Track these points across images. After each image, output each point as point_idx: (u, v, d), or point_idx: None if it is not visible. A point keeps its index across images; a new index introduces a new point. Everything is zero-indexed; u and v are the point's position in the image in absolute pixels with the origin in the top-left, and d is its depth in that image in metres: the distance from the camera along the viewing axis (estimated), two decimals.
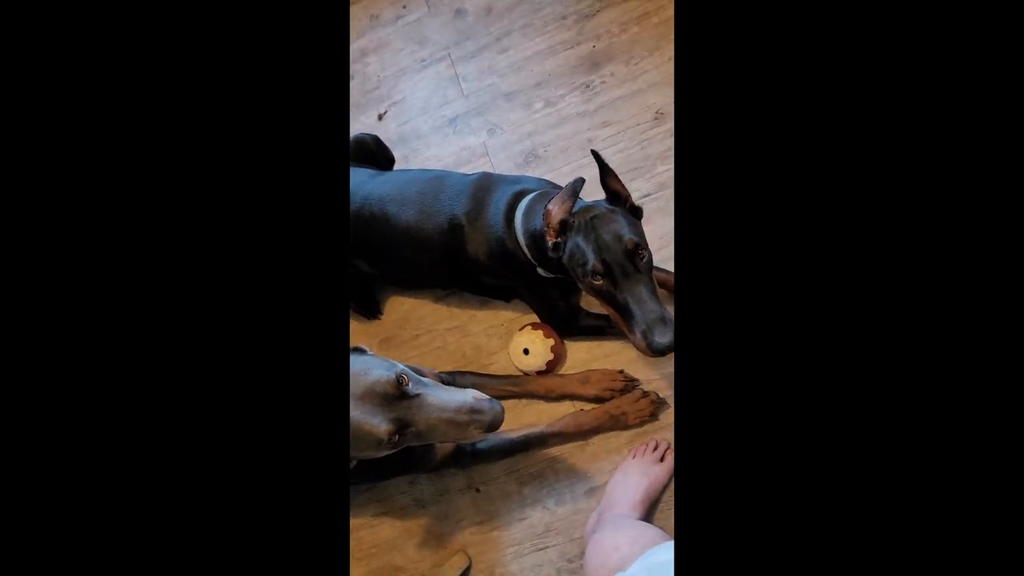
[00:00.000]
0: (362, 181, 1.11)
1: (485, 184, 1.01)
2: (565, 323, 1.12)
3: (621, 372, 1.11)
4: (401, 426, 0.76)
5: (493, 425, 0.77)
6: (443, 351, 1.25)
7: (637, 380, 1.11)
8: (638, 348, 0.80)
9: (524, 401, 1.16)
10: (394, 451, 0.79)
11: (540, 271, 0.97)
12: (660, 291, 0.85)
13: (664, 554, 0.64)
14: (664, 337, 0.76)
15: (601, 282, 0.81)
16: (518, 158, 1.31)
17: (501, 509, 1.14)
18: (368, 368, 0.77)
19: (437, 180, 1.06)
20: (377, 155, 1.23)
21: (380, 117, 1.44)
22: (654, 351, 0.77)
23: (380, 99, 1.45)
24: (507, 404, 1.07)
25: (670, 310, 0.81)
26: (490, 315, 1.24)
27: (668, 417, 1.09)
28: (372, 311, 1.29)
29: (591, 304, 1.16)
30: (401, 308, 1.30)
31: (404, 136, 1.40)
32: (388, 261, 1.12)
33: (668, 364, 1.11)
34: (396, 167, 1.30)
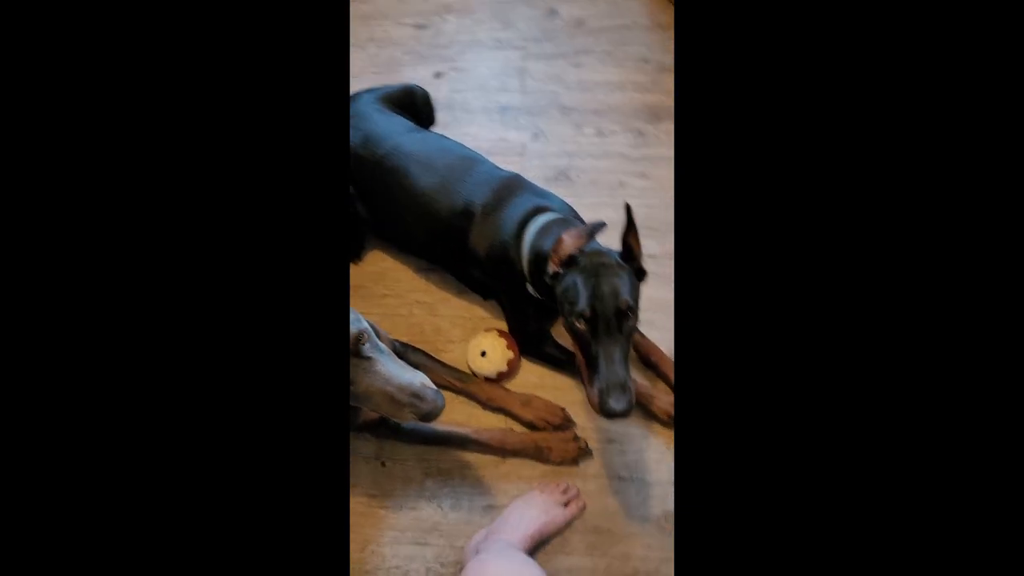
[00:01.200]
0: (397, 131, 1.09)
1: (513, 185, 1.01)
2: (530, 342, 1.12)
3: (563, 410, 1.12)
4: None
5: (429, 416, 0.76)
6: (405, 321, 1.23)
7: (574, 423, 1.12)
8: (591, 403, 0.80)
9: (460, 398, 1.15)
10: None
11: (528, 288, 0.97)
12: (633, 355, 0.85)
13: None
14: (619, 404, 0.76)
15: (583, 327, 0.81)
16: (549, 171, 1.31)
17: (397, 491, 1.13)
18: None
19: (469, 161, 1.05)
20: (420, 110, 1.21)
21: (437, 75, 1.41)
22: (605, 413, 0.77)
23: (444, 59, 1.43)
24: (445, 396, 1.06)
25: (634, 378, 0.81)
26: (462, 305, 1.23)
27: (589, 467, 1.10)
28: (352, 254, 1.27)
29: (560, 334, 1.16)
30: (381, 264, 1.28)
31: (452, 103, 1.38)
32: (388, 216, 1.10)
33: (606, 420, 1.12)
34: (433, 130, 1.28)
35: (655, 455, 1.09)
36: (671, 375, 1.08)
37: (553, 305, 0.97)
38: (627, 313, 0.80)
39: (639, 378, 1.09)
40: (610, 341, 0.79)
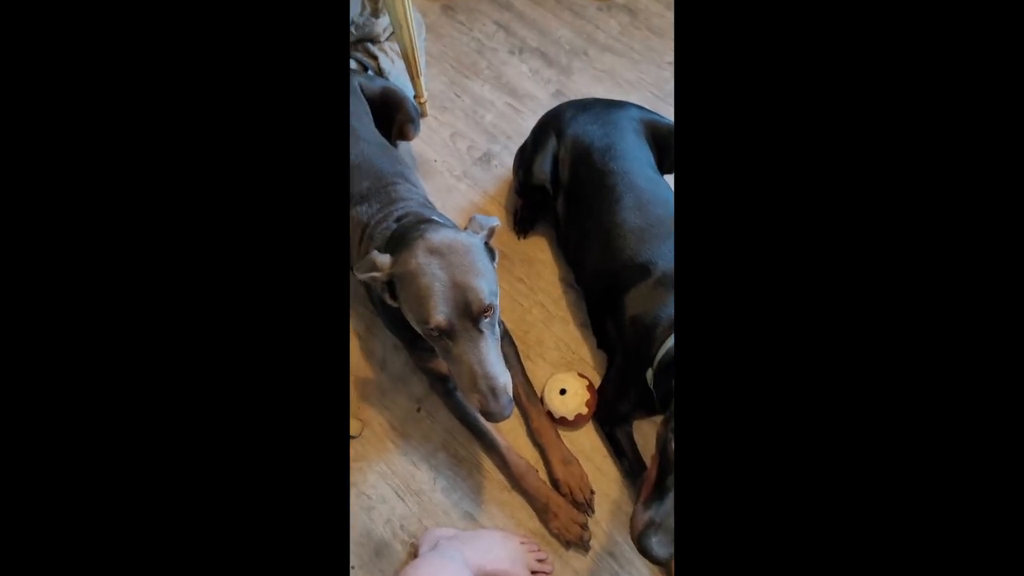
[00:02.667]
0: (638, 160, 1.07)
1: None
2: (609, 416, 1.06)
3: (593, 493, 1.05)
4: (443, 332, 0.75)
5: (489, 415, 0.75)
6: (520, 312, 1.23)
7: (592, 513, 1.05)
8: (632, 522, 0.73)
9: (515, 411, 1.13)
10: (395, 308, 0.80)
11: (648, 374, 0.91)
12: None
13: None
14: (661, 549, 0.69)
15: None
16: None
17: (410, 440, 1.15)
18: (471, 243, 0.77)
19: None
20: (666, 155, 1.18)
21: None
22: (642, 549, 0.70)
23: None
24: None
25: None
26: (575, 336, 1.20)
27: (575, 560, 1.03)
28: (523, 228, 1.29)
29: (639, 431, 1.09)
30: (537, 252, 1.29)
31: None
32: (576, 222, 1.09)
33: (630, 544, 1.04)
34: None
35: None
36: None
37: (654, 404, 0.91)
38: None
39: None
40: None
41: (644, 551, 0.69)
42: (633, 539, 0.71)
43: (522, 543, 1.02)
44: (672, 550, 0.69)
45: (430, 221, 0.87)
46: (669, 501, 0.70)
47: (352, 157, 1.04)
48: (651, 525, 0.70)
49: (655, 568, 1.01)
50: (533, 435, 1.10)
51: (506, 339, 1.14)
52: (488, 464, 1.11)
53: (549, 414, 1.10)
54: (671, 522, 0.69)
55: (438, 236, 0.77)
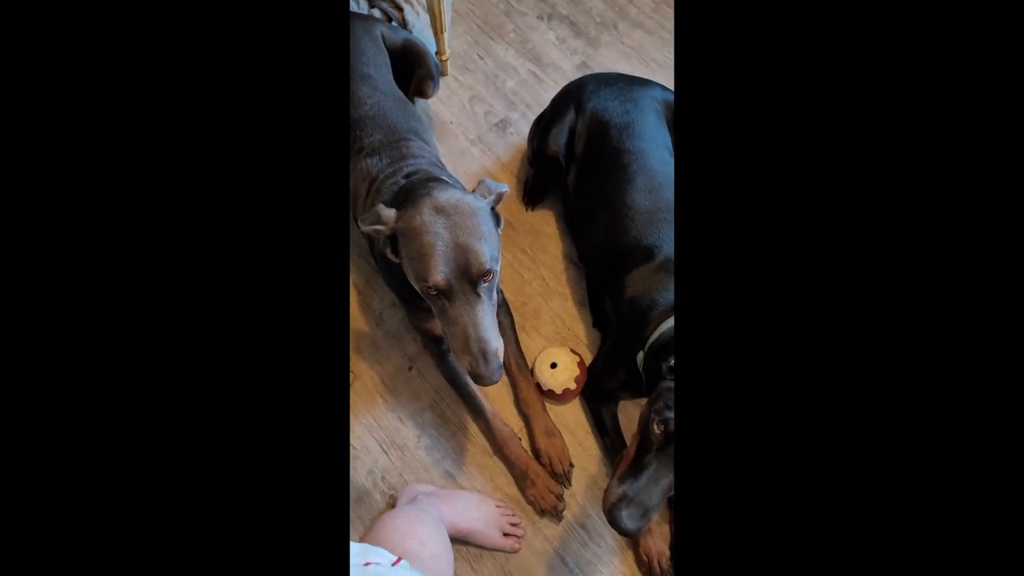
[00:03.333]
0: (655, 141, 1.05)
1: None
2: (597, 393, 1.08)
3: (572, 466, 1.08)
4: (441, 291, 0.75)
5: (477, 379, 0.76)
6: (520, 284, 1.24)
7: (569, 485, 1.07)
8: (606, 494, 0.74)
9: (504, 379, 1.15)
10: (395, 263, 0.80)
11: (639, 356, 0.92)
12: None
13: None
14: (631, 522, 0.71)
15: (658, 436, 0.74)
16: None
17: (399, 396, 1.17)
18: (478, 206, 0.76)
19: None
20: None
21: None
22: (611, 520, 0.72)
23: None
24: None
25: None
26: (571, 313, 1.21)
27: (547, 528, 1.06)
28: (532, 199, 1.28)
29: (623, 411, 1.10)
30: (543, 225, 1.29)
31: None
32: (585, 197, 1.09)
33: (603, 517, 1.06)
34: None
35: (607, 572, 1.03)
36: None
37: (641, 386, 0.92)
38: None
39: None
40: (667, 457, 0.72)
41: (613, 522, 0.71)
42: (604, 510, 0.73)
43: (497, 506, 1.05)
44: (640, 524, 0.71)
45: (439, 180, 0.86)
46: (644, 478, 0.72)
47: (367, 108, 1.03)
48: (623, 499, 0.71)
49: (622, 542, 1.04)
50: (520, 404, 1.12)
51: (503, 308, 1.15)
52: (473, 428, 1.13)
53: (538, 386, 1.11)
54: (643, 498, 0.71)
55: (445, 196, 0.77)
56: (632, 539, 1.02)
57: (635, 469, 0.74)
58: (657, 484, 0.72)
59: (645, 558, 1.00)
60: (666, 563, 1.00)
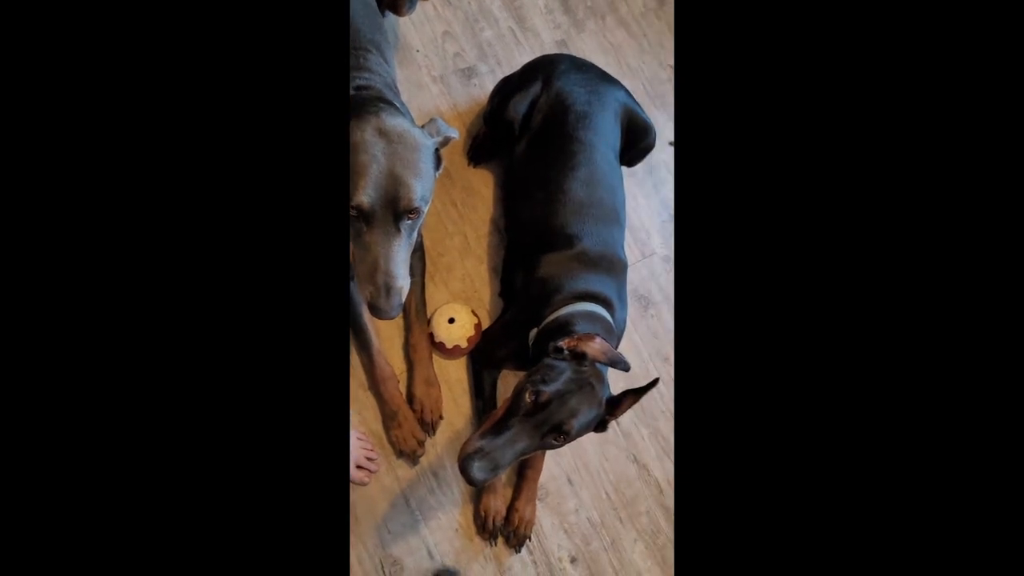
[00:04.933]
0: (606, 140, 1.09)
1: (617, 267, 1.02)
2: (485, 356, 1.11)
3: (441, 419, 1.11)
4: (362, 214, 0.72)
5: (375, 311, 0.75)
6: (441, 236, 1.23)
7: (431, 436, 1.11)
8: (461, 459, 0.77)
9: (400, 321, 1.15)
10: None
11: (533, 332, 0.96)
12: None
13: None
14: (480, 473, 0.75)
15: (530, 401, 0.79)
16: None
17: None
18: (422, 142, 0.75)
19: (615, 216, 1.06)
20: (638, 150, 1.21)
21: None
22: (462, 470, 0.76)
23: None
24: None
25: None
26: (482, 276, 1.23)
27: (400, 469, 1.09)
28: (476, 156, 1.27)
29: (504, 378, 1.16)
30: (480, 185, 1.29)
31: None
32: (529, 168, 1.10)
33: (460, 477, 1.11)
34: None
35: (442, 524, 1.09)
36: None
37: (527, 360, 0.97)
38: (564, 433, 0.78)
39: None
40: (529, 424, 0.77)
41: (464, 469, 0.75)
42: (459, 458, 0.77)
43: (359, 438, 1.06)
44: (487, 476, 0.76)
45: (390, 104, 0.83)
46: (503, 438, 0.77)
47: None
48: (479, 451, 0.76)
49: (465, 497, 1.10)
50: (408, 348, 1.13)
51: (419, 252, 1.14)
52: (355, 360, 1.13)
53: (431, 336, 1.13)
54: (496, 455, 0.76)
55: (393, 121, 0.75)
56: (476, 490, 1.09)
57: (497, 428, 0.78)
58: (513, 446, 0.77)
59: (483, 513, 1.07)
60: (500, 521, 1.08)
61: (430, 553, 1.06)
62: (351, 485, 1.06)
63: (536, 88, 1.12)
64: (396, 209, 0.73)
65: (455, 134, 0.82)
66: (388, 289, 0.74)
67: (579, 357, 0.83)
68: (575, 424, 0.79)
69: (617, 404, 0.85)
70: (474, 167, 1.29)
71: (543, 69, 1.14)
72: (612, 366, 0.84)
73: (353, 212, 0.73)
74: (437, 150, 0.80)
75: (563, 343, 0.85)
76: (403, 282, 0.76)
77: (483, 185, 1.29)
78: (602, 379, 0.84)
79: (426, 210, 0.78)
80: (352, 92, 0.86)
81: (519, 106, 1.13)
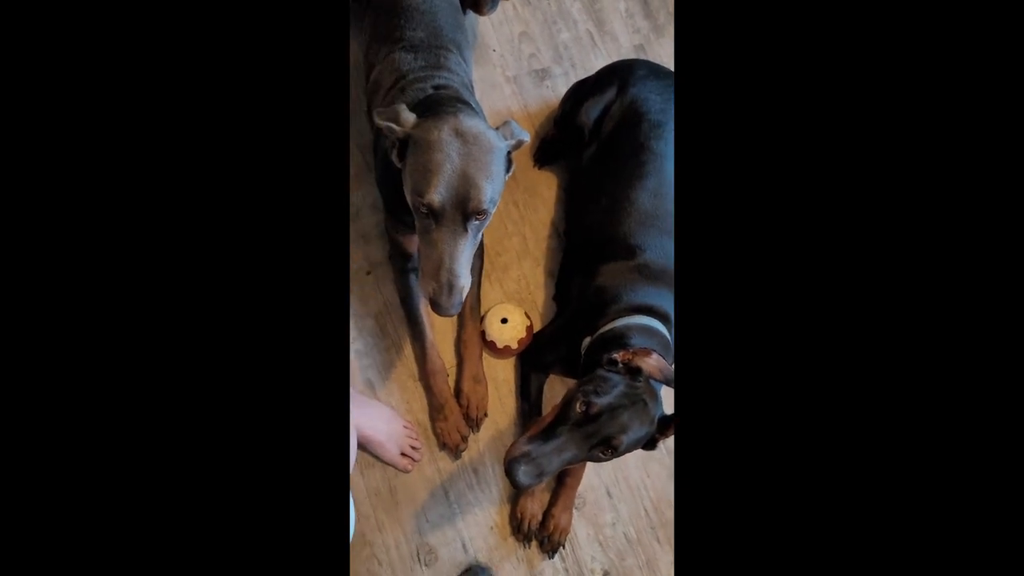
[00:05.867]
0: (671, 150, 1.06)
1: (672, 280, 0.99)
2: (533, 360, 1.11)
3: (485, 415, 1.13)
4: (432, 212, 0.74)
5: (435, 306, 0.77)
6: (502, 236, 1.24)
7: (474, 433, 1.12)
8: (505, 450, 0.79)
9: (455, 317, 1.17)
10: (396, 168, 0.80)
11: (586, 341, 0.95)
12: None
13: None
14: (526, 478, 0.75)
15: (579, 412, 0.78)
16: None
17: (352, 296, 1.17)
18: (496, 145, 0.77)
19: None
20: None
21: None
22: (508, 475, 0.77)
23: None
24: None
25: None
26: (537, 280, 1.23)
27: (441, 461, 1.11)
28: (542, 158, 1.28)
29: (552, 385, 1.15)
30: (547, 187, 1.28)
31: None
32: (597, 179, 1.09)
33: (509, 482, 1.12)
34: None
35: (479, 520, 1.10)
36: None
37: (576, 367, 0.96)
38: (612, 448, 0.78)
39: None
40: (579, 435, 0.77)
41: (510, 472, 0.75)
42: (505, 459, 0.77)
43: (405, 427, 1.09)
44: (531, 482, 0.76)
45: (467, 104, 0.84)
46: (551, 446, 0.76)
47: (418, 1, 0.98)
48: (526, 455, 0.76)
49: (503, 497, 1.11)
50: (459, 344, 1.14)
51: (479, 251, 1.15)
52: (407, 350, 1.16)
53: (483, 334, 1.14)
54: (543, 461, 0.76)
55: (470, 122, 0.76)
56: (518, 493, 1.09)
57: (545, 435, 0.78)
58: (560, 454, 0.77)
59: (519, 515, 1.08)
60: (535, 525, 1.08)
61: (464, 547, 1.08)
62: (395, 471, 1.09)
63: (611, 94, 1.11)
64: (465, 210, 0.74)
65: (527, 137, 0.82)
66: (451, 287, 0.75)
67: (633, 372, 0.81)
68: (624, 440, 0.77)
69: (669, 424, 0.83)
70: (539, 169, 1.29)
71: (619, 74, 1.12)
72: (667, 384, 0.82)
73: (423, 210, 0.75)
74: (509, 153, 0.81)
75: (618, 356, 0.83)
76: (465, 281, 0.77)
77: (546, 187, 1.29)
78: (656, 396, 0.82)
79: (493, 212, 0.79)
80: (430, 91, 0.88)
81: (592, 111, 1.11)
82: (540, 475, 0.76)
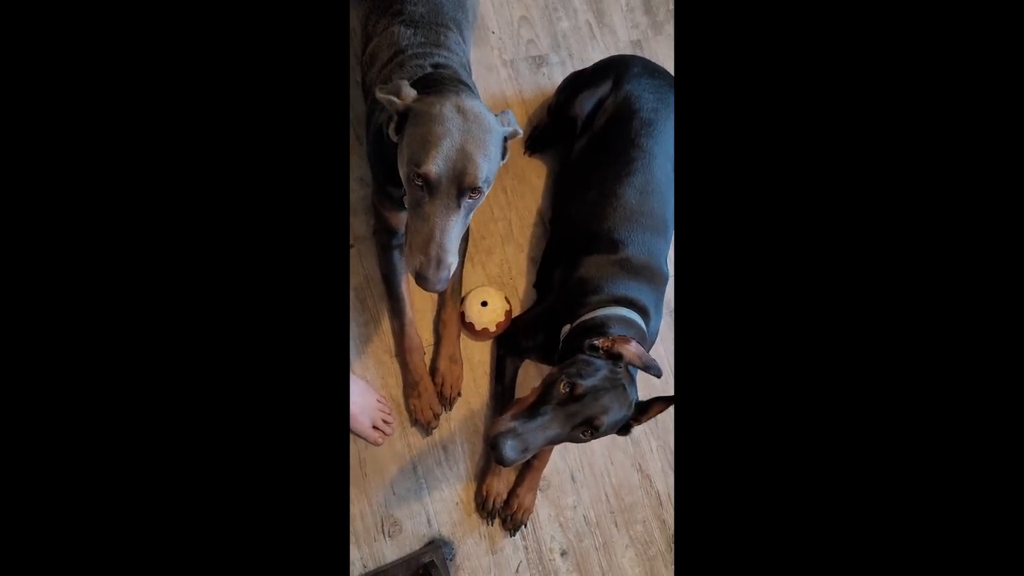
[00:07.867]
0: (667, 149, 1.08)
1: (656, 276, 1.01)
2: (511, 344, 1.13)
3: (459, 395, 1.14)
4: (427, 183, 0.74)
5: (420, 280, 0.77)
6: (488, 221, 1.25)
7: (447, 412, 1.14)
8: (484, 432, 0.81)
9: (436, 296, 1.17)
10: (391, 142, 0.80)
11: (566, 327, 0.98)
12: None
13: None
14: (512, 452, 0.77)
15: (563, 392, 0.80)
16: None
17: None
18: (495, 127, 0.77)
19: (663, 226, 1.06)
20: None
21: None
22: (492, 450, 0.78)
23: None
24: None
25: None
26: (520, 265, 1.24)
27: (411, 436, 1.13)
28: (533, 146, 1.28)
29: (528, 368, 1.18)
30: (536, 176, 1.29)
31: None
32: (587, 167, 1.10)
33: (486, 448, 1.14)
34: None
35: (444, 496, 1.12)
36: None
37: (552, 354, 0.99)
38: (593, 427, 0.80)
39: None
40: (562, 414, 0.79)
41: (496, 446, 0.77)
42: (490, 434, 0.79)
43: (378, 400, 1.10)
44: (517, 457, 0.77)
45: (467, 86, 0.84)
46: (535, 423, 0.78)
47: None
48: (512, 431, 0.78)
49: (470, 474, 1.14)
50: (439, 323, 1.15)
51: (465, 232, 1.15)
52: (385, 325, 1.16)
53: (462, 315, 1.15)
54: (529, 438, 0.78)
55: (472, 103, 0.76)
56: (480, 470, 1.12)
57: (530, 413, 0.80)
58: (544, 431, 0.79)
59: (485, 493, 1.11)
60: (500, 503, 1.11)
61: (429, 521, 1.10)
62: (366, 443, 1.10)
63: (605, 88, 1.12)
64: (461, 184, 0.75)
65: (521, 131, 0.83)
66: (439, 262, 0.76)
67: (614, 358, 0.84)
68: (606, 420, 0.80)
69: (645, 409, 0.86)
70: (529, 156, 1.29)
71: (615, 69, 1.13)
72: (646, 370, 0.85)
73: (419, 181, 0.75)
74: (505, 139, 0.81)
75: (599, 342, 0.86)
76: (453, 258, 0.78)
77: (535, 175, 1.30)
78: (633, 382, 0.86)
79: (487, 192, 0.79)
80: (429, 69, 0.87)
81: (586, 103, 1.12)
82: (525, 450, 0.78)
